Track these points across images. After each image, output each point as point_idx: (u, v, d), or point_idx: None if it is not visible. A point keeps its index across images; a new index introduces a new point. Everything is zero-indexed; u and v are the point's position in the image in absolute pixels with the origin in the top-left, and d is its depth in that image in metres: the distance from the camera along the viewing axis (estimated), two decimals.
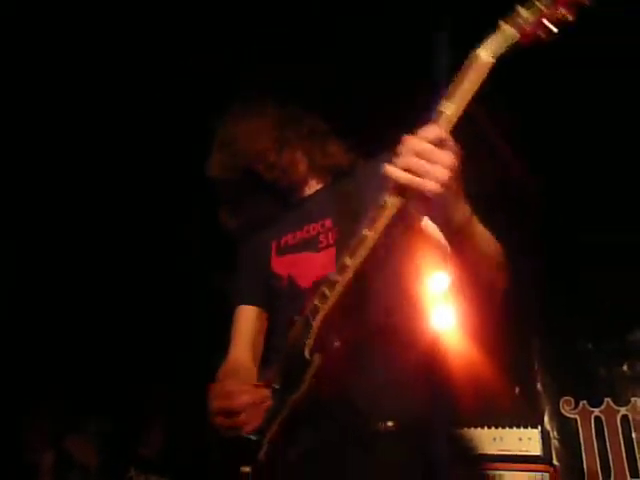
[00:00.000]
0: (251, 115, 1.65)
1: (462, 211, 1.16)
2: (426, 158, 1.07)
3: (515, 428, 3.37)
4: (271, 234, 1.63)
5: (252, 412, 1.33)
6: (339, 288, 1.25)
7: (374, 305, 1.39)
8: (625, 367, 3.40)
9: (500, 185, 3.24)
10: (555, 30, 1.09)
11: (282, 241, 1.60)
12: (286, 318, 1.42)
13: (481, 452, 2.75)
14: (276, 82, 1.80)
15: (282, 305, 1.54)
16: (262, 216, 1.67)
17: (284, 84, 1.78)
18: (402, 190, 1.12)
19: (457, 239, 1.20)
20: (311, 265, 1.51)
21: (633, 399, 3.34)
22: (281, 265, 1.57)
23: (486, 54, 1.11)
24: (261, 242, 1.64)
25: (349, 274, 1.23)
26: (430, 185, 1.07)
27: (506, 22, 1.12)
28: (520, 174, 3.21)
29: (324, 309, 1.28)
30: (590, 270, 3.44)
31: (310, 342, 1.29)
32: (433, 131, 1.08)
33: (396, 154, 1.11)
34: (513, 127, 2.96)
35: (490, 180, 3.09)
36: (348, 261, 1.23)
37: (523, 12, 1.11)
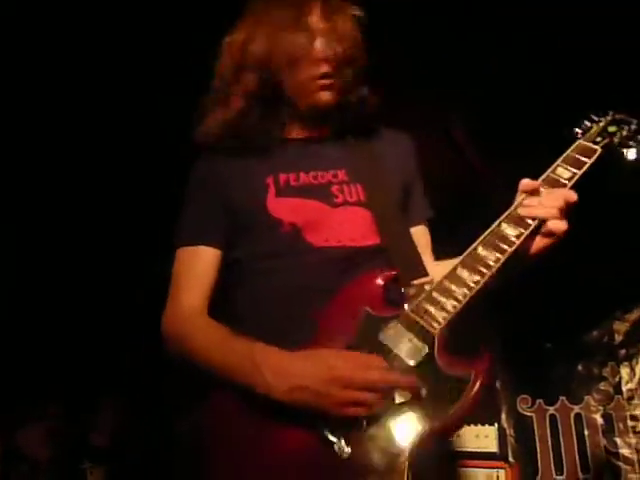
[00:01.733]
0: (268, 7, 1.37)
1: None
2: (565, 216, 1.25)
3: (472, 425, 3.43)
4: (263, 167, 1.34)
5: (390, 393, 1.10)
6: (462, 302, 1.19)
7: None
8: (580, 367, 3.49)
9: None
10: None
11: (281, 179, 1.31)
12: (285, 277, 1.24)
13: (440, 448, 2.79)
14: None
15: (275, 256, 1.28)
16: (261, 133, 1.35)
17: None
18: (527, 224, 1.25)
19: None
20: (325, 219, 1.28)
21: (586, 397, 3.43)
22: (282, 208, 1.28)
23: (592, 145, 1.33)
24: (247, 174, 1.33)
25: (471, 292, 1.20)
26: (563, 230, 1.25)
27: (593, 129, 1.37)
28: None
29: (446, 320, 1.17)
30: (548, 270, 3.49)
31: (437, 354, 1.14)
32: (573, 196, 1.25)
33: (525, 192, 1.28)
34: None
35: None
36: (467, 276, 1.20)
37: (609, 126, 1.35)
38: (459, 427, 1.18)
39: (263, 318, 1.27)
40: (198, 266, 1.32)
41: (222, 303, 1.35)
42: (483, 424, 3.44)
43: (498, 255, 1.20)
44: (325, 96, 1.34)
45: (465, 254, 1.23)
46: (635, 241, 3.40)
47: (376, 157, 1.37)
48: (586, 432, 3.39)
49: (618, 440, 3.34)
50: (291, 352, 1.12)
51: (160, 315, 1.33)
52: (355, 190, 1.32)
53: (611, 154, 1.34)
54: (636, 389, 3.39)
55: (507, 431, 3.44)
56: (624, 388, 3.42)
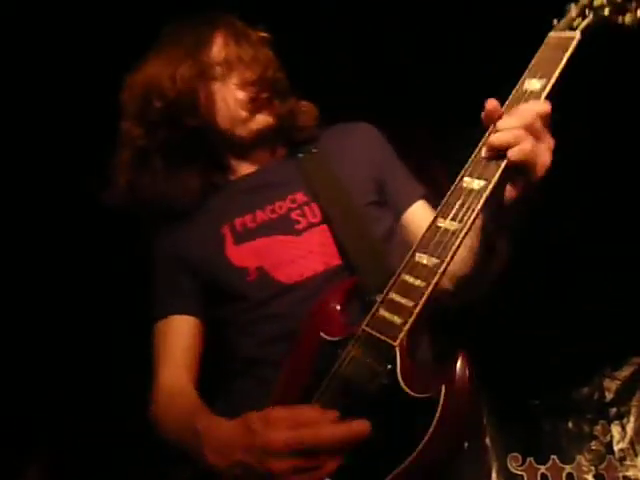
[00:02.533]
0: (166, 42, 1.29)
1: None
2: (535, 135, 0.90)
3: None
4: (215, 219, 1.27)
5: (335, 449, 0.89)
6: (425, 295, 0.94)
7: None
8: (570, 424, 3.43)
9: None
10: None
11: (237, 225, 1.24)
12: (263, 322, 1.17)
13: None
14: None
15: (251, 307, 1.21)
16: (190, 195, 1.27)
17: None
18: (495, 169, 0.93)
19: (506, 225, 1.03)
20: (291, 252, 1.19)
21: (578, 457, 3.36)
22: (244, 255, 1.21)
23: (569, 33, 0.98)
24: (201, 231, 1.27)
25: (436, 277, 0.94)
26: (538, 163, 0.91)
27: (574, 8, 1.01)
28: None
29: (407, 325, 0.94)
30: (536, 327, 3.50)
31: (401, 373, 0.94)
32: (543, 107, 0.92)
33: (491, 122, 0.95)
34: None
35: None
36: (429, 261, 0.94)
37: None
38: (443, 462, 0.93)
39: (250, 372, 1.22)
40: (171, 337, 1.27)
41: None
42: None
43: (458, 225, 0.93)
44: (261, 118, 1.27)
45: (424, 232, 0.99)
46: (622, 298, 3.42)
47: (331, 166, 1.26)
48: None
49: None
50: (231, 420, 0.98)
51: None
52: (314, 209, 1.24)
53: (601, 33, 1.02)
54: (628, 449, 3.33)
55: None
56: (616, 448, 3.35)
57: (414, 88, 2.66)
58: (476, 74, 2.60)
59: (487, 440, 3.48)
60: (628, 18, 1.00)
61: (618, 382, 3.46)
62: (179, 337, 1.26)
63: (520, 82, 0.99)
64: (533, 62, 0.99)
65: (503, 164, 0.92)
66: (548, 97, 0.95)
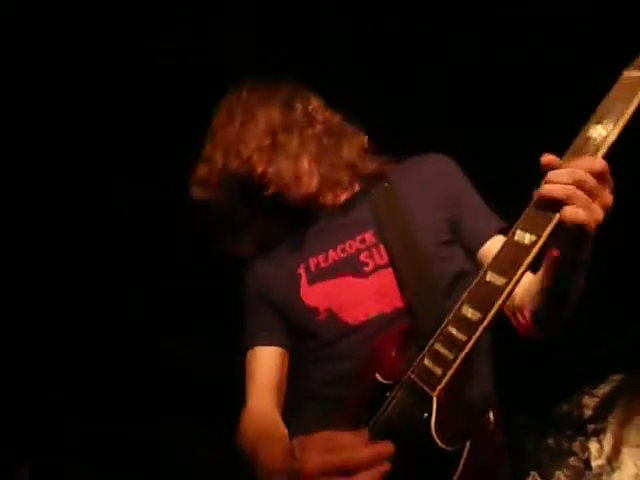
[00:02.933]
0: (241, 121, 1.33)
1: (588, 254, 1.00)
2: (588, 191, 0.89)
3: None
4: (294, 257, 1.34)
5: (368, 474, 0.92)
6: (465, 349, 0.96)
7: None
8: (551, 441, 3.52)
9: None
10: None
11: (311, 265, 1.30)
12: (330, 361, 1.23)
13: None
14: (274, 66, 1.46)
15: (321, 345, 1.27)
16: (274, 238, 1.37)
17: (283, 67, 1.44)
18: (545, 223, 0.92)
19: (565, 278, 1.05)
20: (358, 294, 1.25)
21: (557, 472, 3.45)
22: (316, 295, 1.27)
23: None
24: (278, 270, 1.35)
25: (477, 332, 0.96)
26: (591, 222, 0.90)
27: None
28: None
29: (445, 377, 0.98)
30: (517, 345, 3.58)
31: (435, 424, 0.98)
32: (598, 163, 0.89)
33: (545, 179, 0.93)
34: None
35: None
36: (473, 315, 0.97)
37: None
38: None
39: (315, 406, 1.29)
40: (256, 368, 1.35)
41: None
42: None
43: (505, 280, 0.94)
44: (329, 196, 1.36)
45: (472, 285, 1.00)
46: (601, 318, 3.51)
47: (402, 203, 1.28)
48: None
49: None
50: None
51: None
52: (378, 251, 1.27)
53: None
54: (605, 465, 3.42)
55: None
56: (593, 464, 3.44)
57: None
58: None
59: None
60: None
61: (597, 399, 3.55)
62: (264, 366, 1.34)
63: (585, 127, 0.93)
64: (600, 106, 0.92)
65: (555, 220, 0.90)
66: (614, 146, 0.90)
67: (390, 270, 1.25)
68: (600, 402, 3.55)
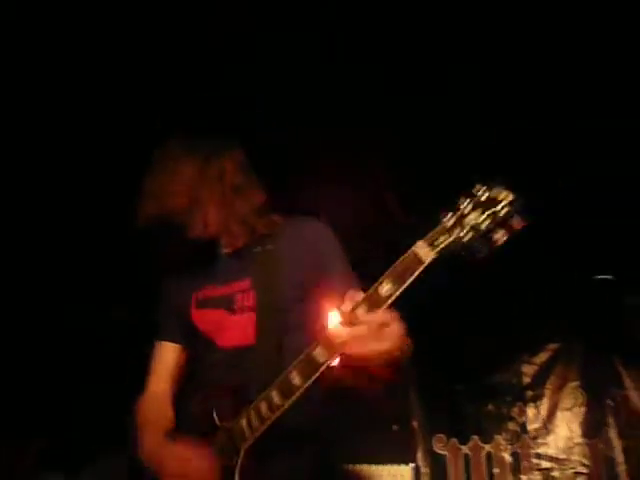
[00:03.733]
0: (169, 170, 1.62)
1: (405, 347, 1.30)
2: (373, 336, 1.19)
3: (389, 465, 3.53)
4: (192, 284, 1.64)
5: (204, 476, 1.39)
6: (266, 425, 1.33)
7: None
8: (491, 406, 3.68)
9: None
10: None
11: (200, 294, 1.62)
12: (202, 368, 1.57)
13: None
14: (197, 135, 1.71)
15: (201, 353, 1.61)
16: (185, 263, 1.66)
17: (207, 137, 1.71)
18: (337, 350, 1.23)
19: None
20: (227, 326, 1.55)
21: (497, 436, 3.62)
22: (199, 318, 1.61)
23: (425, 252, 1.14)
24: (182, 289, 1.65)
25: (276, 414, 1.32)
26: (377, 360, 1.23)
27: (450, 219, 1.13)
28: None
29: (250, 438, 1.36)
30: (460, 316, 3.71)
31: (237, 467, 1.36)
32: (382, 316, 1.19)
33: (341, 318, 1.22)
34: None
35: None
36: (279, 401, 1.31)
37: (470, 214, 1.10)
38: None
39: (196, 379, 1.64)
40: (158, 359, 1.70)
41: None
42: (399, 464, 3.54)
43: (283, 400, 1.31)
44: (224, 241, 1.65)
45: (303, 355, 1.29)
46: (540, 291, 3.66)
47: (278, 262, 1.56)
48: (496, 470, 3.57)
49: (523, 477, 3.54)
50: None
51: None
52: (251, 297, 1.55)
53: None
54: (541, 428, 3.61)
55: (422, 470, 3.56)
56: (530, 427, 3.63)
57: None
58: None
59: (415, 423, 3.69)
60: (484, 249, 1.10)
61: (535, 367, 3.72)
62: (164, 358, 1.70)
63: (379, 281, 1.18)
64: (393, 268, 1.16)
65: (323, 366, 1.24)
66: (395, 301, 1.17)
67: (253, 314, 1.53)
68: (538, 369, 3.71)
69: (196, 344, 1.61)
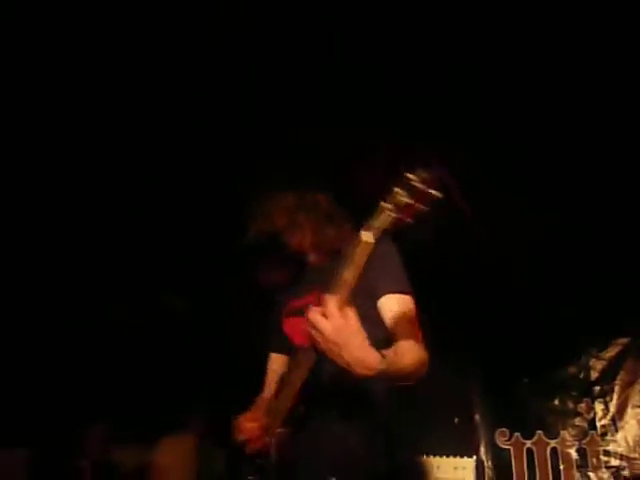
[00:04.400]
0: (274, 201, 1.98)
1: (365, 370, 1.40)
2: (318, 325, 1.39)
3: (451, 457, 3.52)
4: (284, 297, 1.98)
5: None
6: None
7: None
8: (556, 401, 3.60)
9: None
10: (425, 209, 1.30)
11: (289, 305, 1.94)
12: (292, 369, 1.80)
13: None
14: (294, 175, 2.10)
15: (290, 360, 1.86)
16: (286, 278, 2.00)
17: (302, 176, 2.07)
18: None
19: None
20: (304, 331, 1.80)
21: (562, 432, 3.55)
22: (288, 327, 1.91)
23: (368, 236, 1.34)
24: (280, 302, 2.01)
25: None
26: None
27: (385, 202, 1.31)
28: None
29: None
30: (528, 309, 3.64)
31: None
32: (331, 303, 1.37)
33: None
34: None
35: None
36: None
37: (400, 193, 1.29)
38: None
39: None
40: (271, 368, 2.03)
41: None
42: (462, 456, 3.53)
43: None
44: (311, 257, 1.99)
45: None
46: (610, 286, 3.55)
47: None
48: (561, 466, 3.50)
49: (591, 474, 3.45)
50: None
51: None
52: None
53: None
54: (609, 425, 3.50)
55: (485, 463, 3.53)
56: (598, 424, 3.52)
57: None
58: None
59: (477, 416, 3.66)
60: (410, 218, 1.31)
61: (604, 362, 3.60)
62: (275, 369, 1.99)
63: (341, 269, 1.38)
64: (348, 255, 1.37)
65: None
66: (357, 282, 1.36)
67: None
68: (607, 365, 3.60)
69: (288, 353, 1.88)
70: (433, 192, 1.27)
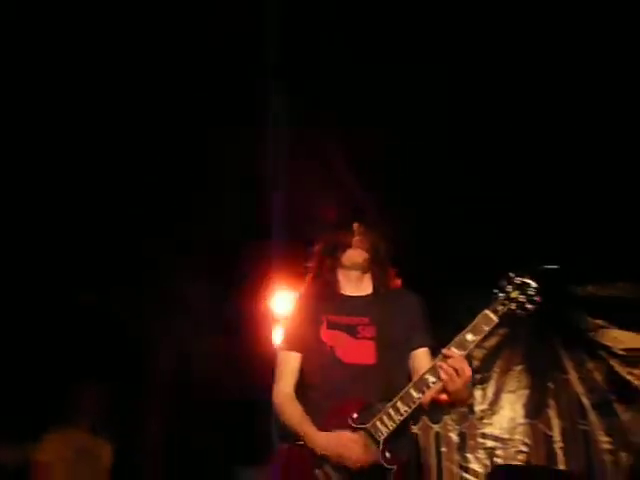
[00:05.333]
0: (368, 237, 2.17)
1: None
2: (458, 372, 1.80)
3: None
4: (324, 309, 2.14)
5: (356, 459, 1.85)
6: (403, 416, 1.82)
7: None
8: None
9: None
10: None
11: (331, 318, 2.12)
12: (326, 376, 2.01)
13: None
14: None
15: (324, 364, 2.04)
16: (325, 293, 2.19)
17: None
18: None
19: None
20: (350, 347, 2.05)
21: (444, 417, 3.79)
22: (328, 336, 2.09)
23: (492, 316, 1.84)
24: (316, 311, 2.15)
25: (411, 408, 1.82)
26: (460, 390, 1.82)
27: (502, 295, 1.86)
28: None
29: (389, 429, 1.82)
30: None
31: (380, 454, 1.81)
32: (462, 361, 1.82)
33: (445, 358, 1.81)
34: None
35: None
36: (415, 394, 1.82)
37: (512, 292, 1.86)
38: None
39: (312, 384, 2.09)
40: (288, 365, 2.12)
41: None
42: None
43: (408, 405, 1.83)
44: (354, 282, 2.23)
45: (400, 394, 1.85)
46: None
47: (390, 311, 2.11)
48: (443, 449, 3.74)
49: (469, 455, 3.72)
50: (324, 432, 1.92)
51: None
52: (371, 330, 2.07)
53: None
54: (487, 409, 3.78)
55: None
56: (477, 409, 3.80)
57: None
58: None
59: None
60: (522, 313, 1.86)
61: (484, 351, 3.86)
62: (293, 366, 2.12)
63: (464, 332, 1.83)
64: (472, 325, 1.83)
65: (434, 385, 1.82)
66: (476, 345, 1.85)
67: (372, 342, 2.05)
68: (487, 353, 3.86)
69: (320, 357, 2.05)
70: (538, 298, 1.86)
